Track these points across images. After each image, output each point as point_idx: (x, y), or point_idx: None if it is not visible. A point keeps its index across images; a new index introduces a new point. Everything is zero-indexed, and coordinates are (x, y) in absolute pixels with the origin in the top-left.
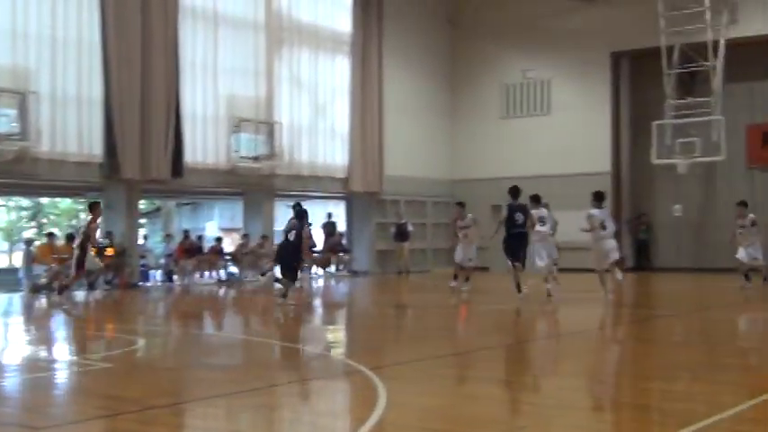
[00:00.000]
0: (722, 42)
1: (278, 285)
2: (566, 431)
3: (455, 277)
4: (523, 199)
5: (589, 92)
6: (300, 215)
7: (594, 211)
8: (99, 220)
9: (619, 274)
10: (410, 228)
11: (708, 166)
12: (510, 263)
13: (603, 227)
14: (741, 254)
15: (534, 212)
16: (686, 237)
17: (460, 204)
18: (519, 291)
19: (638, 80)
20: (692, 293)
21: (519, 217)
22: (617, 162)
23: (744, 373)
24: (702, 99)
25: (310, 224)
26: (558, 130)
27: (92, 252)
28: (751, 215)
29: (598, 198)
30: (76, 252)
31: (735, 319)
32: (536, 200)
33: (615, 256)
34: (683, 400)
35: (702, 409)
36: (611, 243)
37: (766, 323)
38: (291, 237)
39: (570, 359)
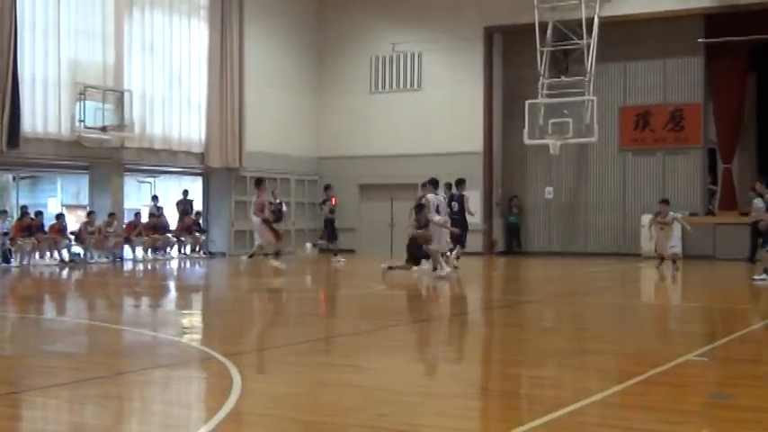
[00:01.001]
0: (596, 20)
1: None
2: (429, 419)
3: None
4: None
5: (461, 68)
6: None
7: (430, 196)
8: None
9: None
10: (284, 208)
11: (580, 147)
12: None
13: (438, 212)
14: (660, 249)
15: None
16: (557, 220)
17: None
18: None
19: (512, 57)
20: (562, 278)
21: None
22: (489, 142)
23: (611, 359)
24: (576, 78)
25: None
26: (429, 106)
27: None
28: (672, 213)
29: (433, 184)
30: None
31: (603, 304)
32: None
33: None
34: (550, 386)
35: (569, 396)
36: (441, 231)
37: (635, 309)
38: None
39: (435, 345)
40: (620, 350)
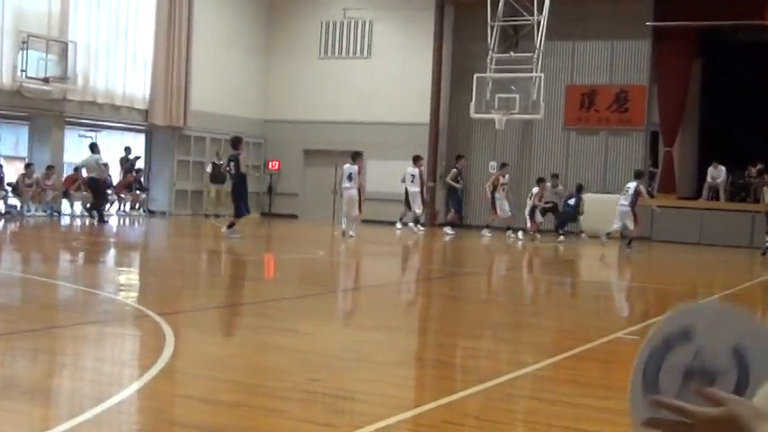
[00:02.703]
0: None
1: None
2: (362, 385)
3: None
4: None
5: (412, 37)
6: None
7: (345, 166)
8: None
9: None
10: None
11: (526, 124)
12: None
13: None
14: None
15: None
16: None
17: None
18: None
19: (463, 30)
20: (501, 252)
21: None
22: (435, 114)
23: (545, 333)
24: (525, 55)
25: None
26: (378, 75)
27: None
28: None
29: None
30: None
31: (541, 279)
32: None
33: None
34: (483, 357)
35: (502, 368)
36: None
37: (573, 285)
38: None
39: (372, 312)
40: (555, 325)
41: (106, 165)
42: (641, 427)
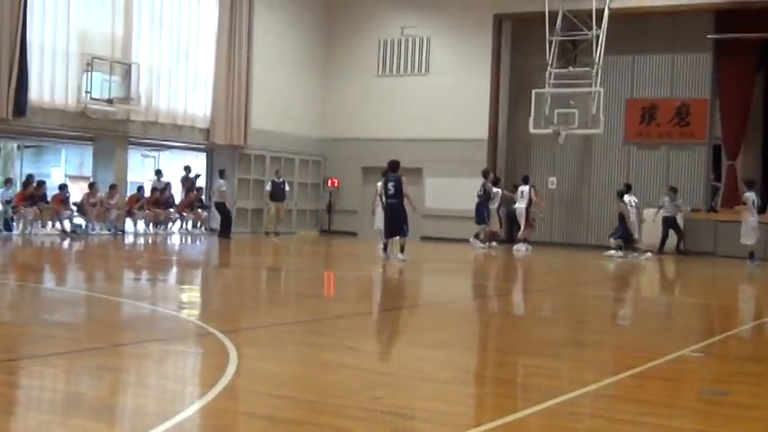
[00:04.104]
0: (606, 12)
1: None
2: (424, 403)
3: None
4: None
5: (469, 54)
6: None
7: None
8: None
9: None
10: (287, 187)
11: (585, 138)
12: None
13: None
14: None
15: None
16: (560, 210)
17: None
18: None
19: (520, 45)
20: (562, 269)
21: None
22: (494, 129)
23: (607, 351)
24: (583, 69)
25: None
26: (435, 91)
27: None
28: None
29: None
30: None
31: (602, 296)
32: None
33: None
34: (545, 375)
35: (564, 386)
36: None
37: (633, 301)
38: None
39: (432, 330)
40: (617, 342)
41: (168, 183)
42: None
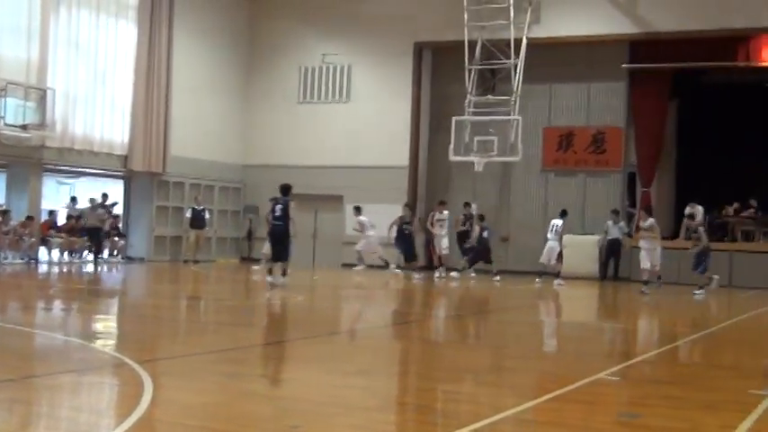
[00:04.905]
0: (524, 41)
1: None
2: (342, 431)
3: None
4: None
5: (390, 82)
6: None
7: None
8: None
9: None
10: (207, 215)
11: (504, 165)
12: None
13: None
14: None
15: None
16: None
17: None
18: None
19: (441, 73)
20: (480, 294)
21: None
22: (415, 156)
23: (526, 375)
24: (502, 98)
25: None
26: (357, 119)
27: None
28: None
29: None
30: None
31: (520, 321)
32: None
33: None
34: (466, 401)
35: (484, 411)
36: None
37: (551, 326)
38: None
39: (353, 357)
40: (536, 367)
41: (83, 211)
42: None
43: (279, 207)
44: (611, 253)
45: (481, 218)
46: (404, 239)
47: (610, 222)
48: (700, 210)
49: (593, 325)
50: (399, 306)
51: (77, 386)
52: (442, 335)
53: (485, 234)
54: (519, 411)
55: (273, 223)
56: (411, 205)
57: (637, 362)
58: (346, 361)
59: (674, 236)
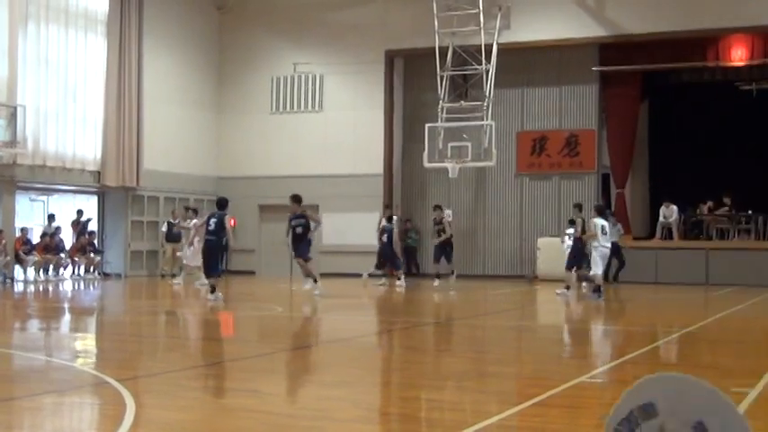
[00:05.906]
0: (495, 47)
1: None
2: None
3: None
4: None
5: (363, 90)
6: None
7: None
8: None
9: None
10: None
11: (479, 171)
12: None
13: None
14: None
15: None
16: (456, 243)
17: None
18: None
19: (413, 81)
20: (459, 301)
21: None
22: (389, 164)
23: (509, 381)
24: (475, 103)
25: None
26: (330, 128)
27: None
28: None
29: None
30: None
31: (501, 326)
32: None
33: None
34: (449, 409)
35: (468, 418)
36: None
37: (531, 331)
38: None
39: (332, 368)
40: (518, 372)
41: (58, 228)
42: None
43: (213, 221)
44: (612, 255)
45: (389, 219)
46: (390, 246)
47: (609, 224)
48: (674, 209)
49: (577, 328)
50: (379, 314)
51: (59, 407)
52: (426, 342)
53: (384, 238)
54: (503, 418)
55: (206, 237)
56: (391, 206)
57: (618, 363)
58: (329, 372)
59: (650, 236)
